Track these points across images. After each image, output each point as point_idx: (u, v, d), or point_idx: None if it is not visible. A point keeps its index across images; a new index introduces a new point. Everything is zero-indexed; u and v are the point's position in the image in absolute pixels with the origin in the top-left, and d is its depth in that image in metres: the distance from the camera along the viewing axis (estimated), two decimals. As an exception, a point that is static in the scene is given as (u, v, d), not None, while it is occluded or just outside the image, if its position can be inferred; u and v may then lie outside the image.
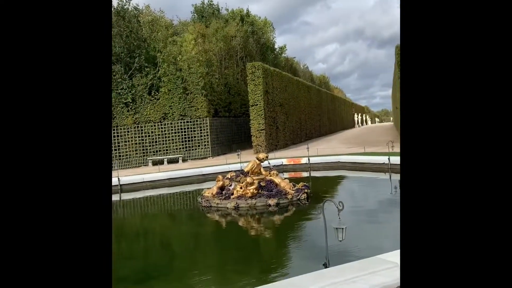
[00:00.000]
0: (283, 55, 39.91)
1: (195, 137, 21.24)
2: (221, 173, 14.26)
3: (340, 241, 3.34)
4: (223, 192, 8.70)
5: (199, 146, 21.32)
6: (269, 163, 14.68)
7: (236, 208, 7.91)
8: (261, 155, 9.18)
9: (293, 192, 8.16)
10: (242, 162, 14.69)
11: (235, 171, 11.38)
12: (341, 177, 12.95)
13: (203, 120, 21.09)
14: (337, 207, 3.29)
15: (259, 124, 20.84)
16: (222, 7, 33.23)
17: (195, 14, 32.30)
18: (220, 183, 8.87)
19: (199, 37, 22.80)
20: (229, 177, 9.17)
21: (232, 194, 8.36)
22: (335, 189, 10.60)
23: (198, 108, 21.10)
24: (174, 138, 21.14)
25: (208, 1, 32.38)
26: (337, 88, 74.25)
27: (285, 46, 40.12)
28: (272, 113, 22.21)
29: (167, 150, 21.04)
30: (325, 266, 3.73)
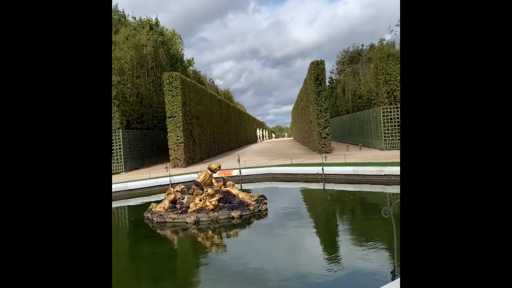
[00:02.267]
0: (190, 67, 39.34)
1: (106, 150, 19.47)
2: (150, 188, 13.30)
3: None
4: (177, 205, 7.96)
5: (111, 160, 19.59)
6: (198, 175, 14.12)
7: (197, 222, 7.27)
8: (214, 165, 8.65)
9: (254, 203, 7.82)
10: (172, 176, 13.87)
11: (182, 183, 10.58)
12: (284, 188, 12.93)
13: (116, 132, 19.50)
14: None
15: (178, 137, 20.01)
16: (128, 14, 31.59)
17: (99, 20, 30.06)
18: (172, 196, 8.11)
19: (110, 43, 21.17)
20: (179, 189, 8.45)
21: (188, 207, 7.69)
22: (284, 200, 10.49)
23: (110, 119, 19.45)
24: (82, 151, 19.10)
25: (113, 8, 30.46)
26: (239, 104, 75.78)
27: (192, 59, 39.68)
28: (189, 125, 21.52)
29: (74, 165, 18.88)
30: (393, 274, 3.50)
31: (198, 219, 7.30)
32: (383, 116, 19.07)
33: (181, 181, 13.59)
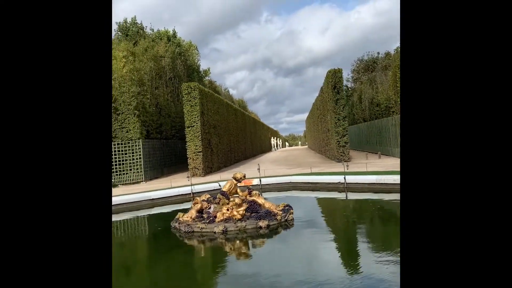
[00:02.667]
0: (206, 78, 39.75)
1: (126, 160, 19.75)
2: (171, 197, 13.41)
3: None
4: (204, 215, 8.02)
5: (131, 170, 19.84)
6: (219, 185, 14.19)
7: (224, 232, 7.30)
8: (238, 175, 8.70)
9: (281, 212, 7.82)
10: (193, 185, 13.97)
11: (202, 192, 10.64)
12: (305, 198, 12.89)
13: (135, 142, 19.76)
14: None
15: (196, 146, 20.16)
16: (146, 26, 32.20)
17: (119, 33, 30.72)
18: (199, 205, 8.17)
19: (129, 55, 21.56)
20: (205, 199, 8.51)
21: (215, 217, 7.74)
22: (308, 209, 10.44)
23: (130, 130, 19.76)
24: (103, 161, 19.36)
25: (132, 20, 31.09)
26: (253, 113, 76.02)
27: (209, 69, 40.13)
28: (207, 135, 21.68)
29: (95, 174, 19.13)
30: None
31: (226, 228, 7.33)
32: (403, 124, 18.90)
33: (202, 190, 13.67)
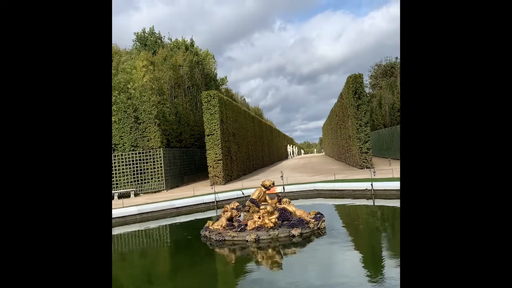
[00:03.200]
0: (223, 86, 39.90)
1: (147, 169, 19.80)
2: (196, 205, 13.33)
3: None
4: (234, 223, 7.87)
5: (152, 178, 19.88)
6: (242, 193, 14.05)
7: (257, 240, 7.13)
8: (267, 182, 8.55)
9: (313, 220, 7.62)
10: (217, 193, 13.87)
11: (226, 200, 10.53)
12: (332, 205, 12.65)
13: (156, 151, 19.81)
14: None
15: (216, 154, 20.09)
16: (164, 36, 32.55)
17: (137, 43, 31.09)
18: (228, 213, 8.04)
19: (149, 65, 21.74)
20: (235, 207, 8.38)
21: (246, 225, 7.58)
22: (337, 217, 10.21)
23: (151, 139, 19.83)
24: (124, 170, 19.48)
25: (150, 30, 31.46)
26: (269, 120, 75.93)
27: (226, 78, 40.28)
28: (226, 143, 21.62)
29: (117, 184, 19.25)
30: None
31: (258, 237, 7.17)
32: (427, 129, 18.53)
33: (226, 198, 13.57)
